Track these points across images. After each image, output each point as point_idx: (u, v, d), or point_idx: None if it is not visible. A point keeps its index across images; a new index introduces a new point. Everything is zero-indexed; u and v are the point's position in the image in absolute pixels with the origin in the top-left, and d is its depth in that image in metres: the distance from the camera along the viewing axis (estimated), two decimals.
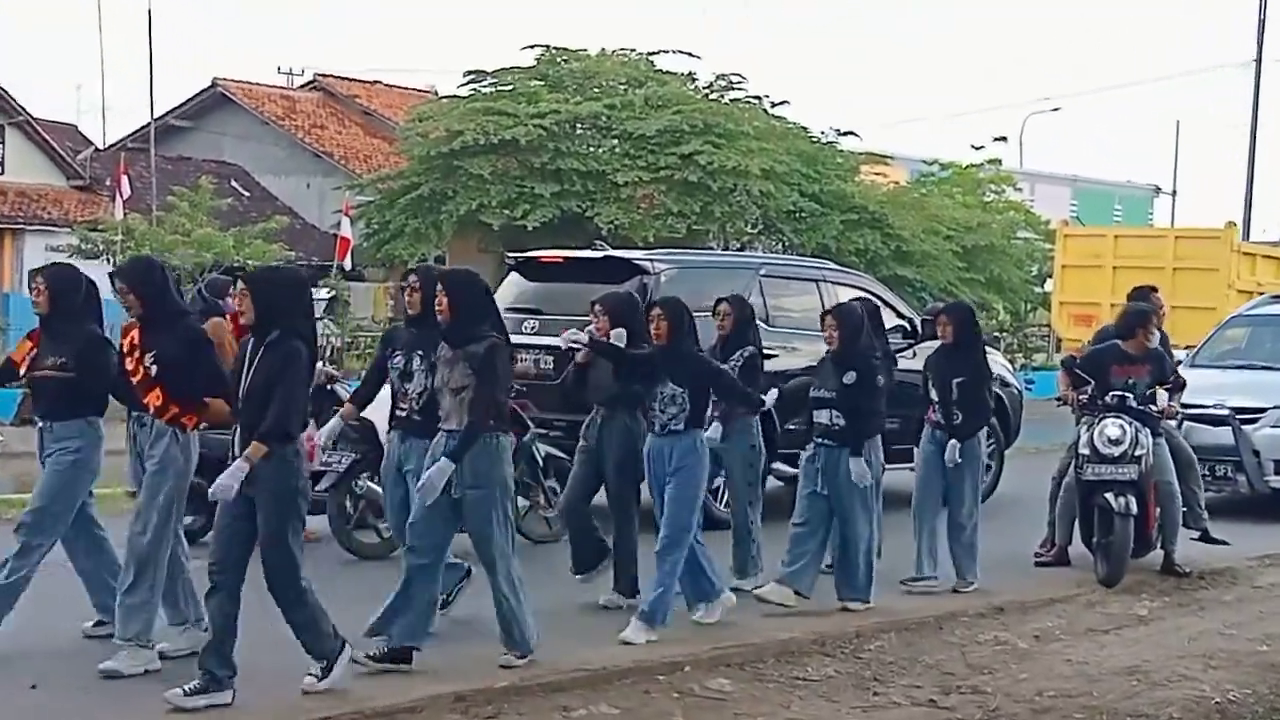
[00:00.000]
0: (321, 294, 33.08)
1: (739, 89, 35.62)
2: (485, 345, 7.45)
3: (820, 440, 9.44)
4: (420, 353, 8.22)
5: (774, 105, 35.87)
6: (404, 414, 8.36)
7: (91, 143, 39.75)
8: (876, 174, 37.20)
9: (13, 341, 30.79)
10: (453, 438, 7.48)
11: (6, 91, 34.71)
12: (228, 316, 10.60)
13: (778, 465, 12.77)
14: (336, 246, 31.86)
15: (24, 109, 35.08)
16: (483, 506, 7.52)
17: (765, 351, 12.59)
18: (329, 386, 11.25)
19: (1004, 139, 43.76)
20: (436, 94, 39.61)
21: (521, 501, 11.24)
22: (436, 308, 7.57)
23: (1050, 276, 32.30)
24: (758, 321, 12.69)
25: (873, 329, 10.30)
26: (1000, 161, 43.81)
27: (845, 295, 13.91)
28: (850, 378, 9.26)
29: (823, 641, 8.76)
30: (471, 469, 7.45)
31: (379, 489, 10.51)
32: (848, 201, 34.17)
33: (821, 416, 9.41)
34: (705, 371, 8.70)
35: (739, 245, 34.74)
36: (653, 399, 8.53)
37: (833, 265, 15.78)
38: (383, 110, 42.67)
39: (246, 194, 38.94)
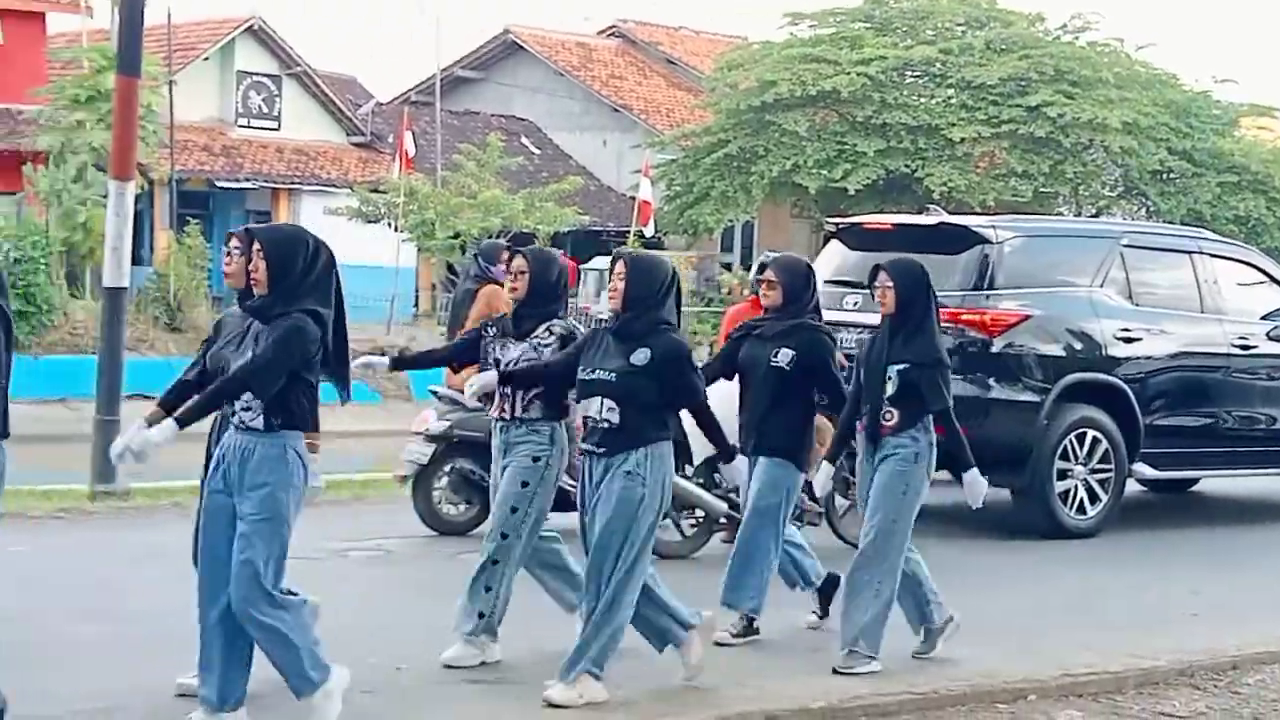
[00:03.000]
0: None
1: (1095, 29, 34.87)
2: None
3: (586, 446, 7.23)
4: None
5: (1137, 48, 35.10)
6: None
7: (372, 96, 41.23)
8: (1261, 128, 35.95)
9: None
10: None
11: (284, 40, 36.28)
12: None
13: (1138, 466, 12.46)
14: (635, 210, 32.34)
15: (302, 59, 36.61)
16: None
17: (1129, 335, 12.38)
18: None
19: None
20: (748, 40, 39.80)
21: (840, 500, 11.25)
22: None
23: None
24: (1118, 298, 12.46)
25: (804, 293, 8.46)
26: None
27: (1224, 269, 13.46)
28: (641, 357, 7.08)
29: (1191, 672, 8.51)
30: None
31: (682, 481, 10.67)
32: (1225, 160, 33.14)
33: (590, 407, 7.18)
34: (287, 341, 6.24)
35: (1094, 211, 34.05)
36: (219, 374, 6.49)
37: (1210, 235, 15.24)
38: (688, 59, 43.06)
39: (537, 152, 39.85)
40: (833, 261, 13.00)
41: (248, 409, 6.25)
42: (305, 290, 6.31)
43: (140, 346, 25.52)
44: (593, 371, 7.16)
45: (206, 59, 35.29)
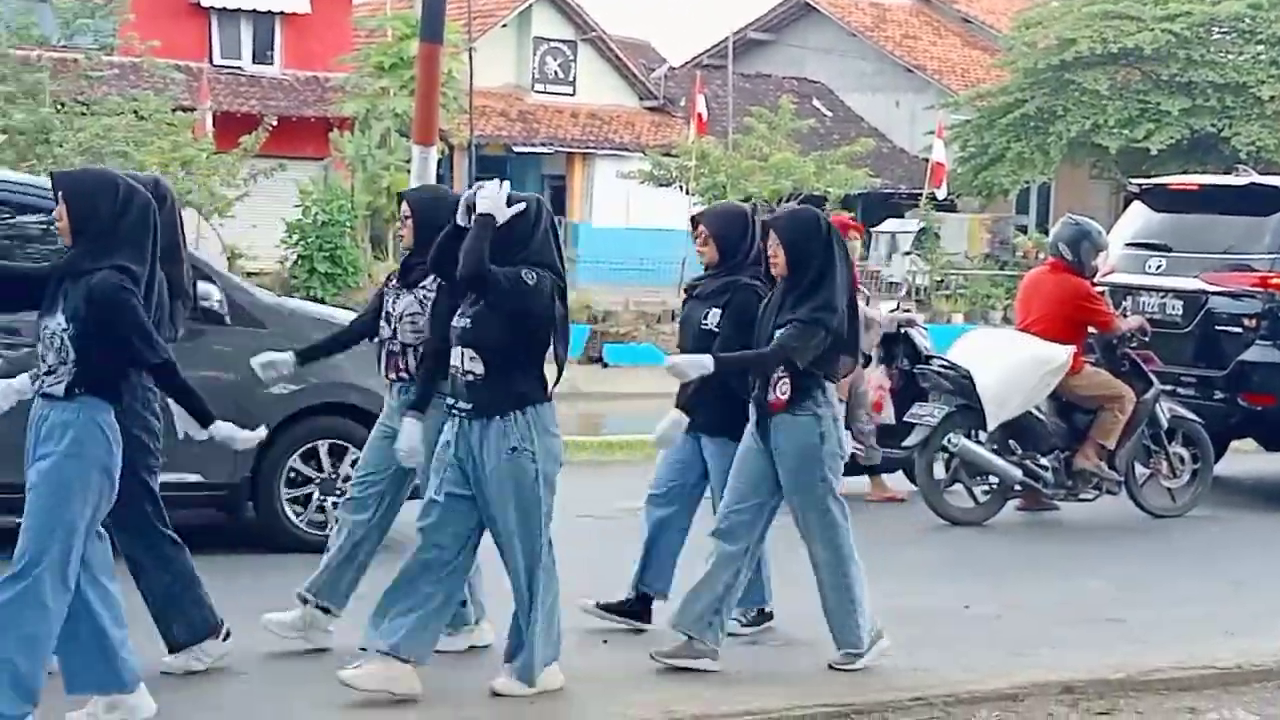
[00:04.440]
0: (910, 225, 33.33)
1: None
2: None
3: (452, 406, 6.41)
4: None
5: None
6: None
7: (665, 60, 41.50)
8: None
9: (583, 275, 32.71)
10: None
11: (580, 6, 36.72)
12: None
13: None
14: (929, 172, 31.99)
15: (597, 24, 37.01)
16: None
17: None
18: (903, 330, 11.32)
19: None
20: None
21: (1141, 470, 10.98)
22: None
23: None
24: None
25: (740, 245, 7.31)
26: None
27: None
28: None
29: None
30: None
31: (976, 447, 10.52)
32: None
33: (453, 359, 6.40)
34: (108, 299, 5.65)
35: None
36: (36, 335, 5.90)
37: None
38: (984, 17, 42.40)
39: (829, 114, 39.65)
40: (1135, 224, 12.69)
41: (51, 372, 5.66)
42: (116, 243, 5.67)
43: None
44: (460, 319, 6.36)
45: (505, 26, 35.94)
